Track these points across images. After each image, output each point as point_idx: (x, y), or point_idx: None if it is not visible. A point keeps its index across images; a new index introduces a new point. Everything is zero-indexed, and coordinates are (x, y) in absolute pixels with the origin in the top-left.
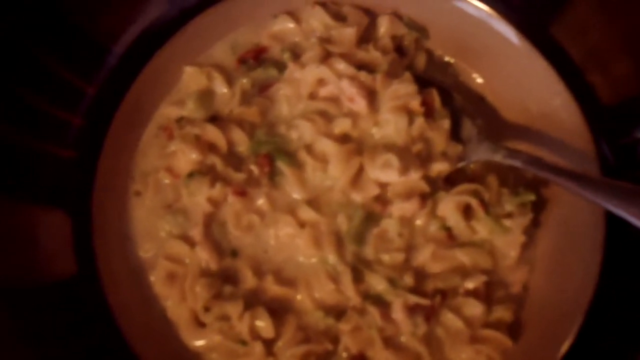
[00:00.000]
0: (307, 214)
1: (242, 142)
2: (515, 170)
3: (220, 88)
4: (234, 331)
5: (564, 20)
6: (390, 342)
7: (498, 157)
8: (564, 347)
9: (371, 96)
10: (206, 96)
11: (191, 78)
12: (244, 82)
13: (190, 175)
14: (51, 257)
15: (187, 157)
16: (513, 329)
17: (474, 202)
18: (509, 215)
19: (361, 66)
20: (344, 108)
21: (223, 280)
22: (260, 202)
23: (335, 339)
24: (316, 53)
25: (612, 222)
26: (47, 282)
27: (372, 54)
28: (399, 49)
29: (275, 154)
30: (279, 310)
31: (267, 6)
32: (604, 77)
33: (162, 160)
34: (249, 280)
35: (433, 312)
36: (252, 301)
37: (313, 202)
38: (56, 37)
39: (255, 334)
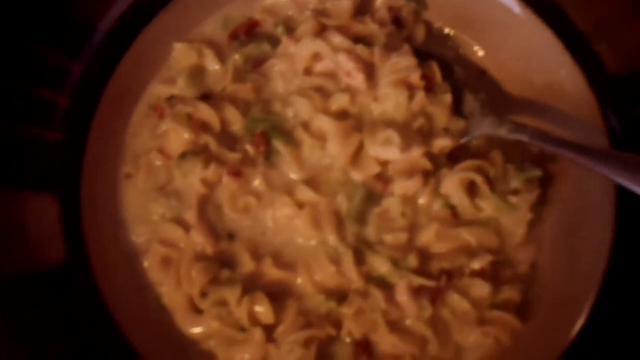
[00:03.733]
0: (305, 194)
1: (236, 120)
2: (520, 145)
3: (212, 65)
4: (232, 317)
5: None
6: (395, 326)
7: (503, 132)
8: (576, 328)
9: (369, 70)
10: (197, 74)
11: (181, 55)
12: (237, 58)
13: (183, 156)
14: (39, 244)
15: (179, 138)
16: (522, 310)
17: (478, 179)
18: (516, 192)
19: (358, 40)
20: (342, 83)
21: (220, 264)
22: (257, 182)
23: (338, 324)
24: (311, 27)
25: (624, 196)
26: (35, 271)
27: (369, 27)
28: (397, 21)
29: (271, 132)
30: (278, 295)
31: None
32: (611, 46)
33: (153, 141)
34: (247, 264)
35: (439, 294)
36: (251, 286)
37: (311, 182)
38: (39, 14)
39: (254, 320)
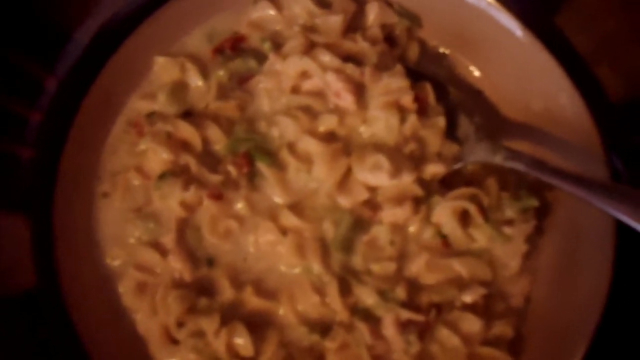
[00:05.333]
0: (289, 219)
1: (218, 140)
2: (516, 172)
3: (195, 80)
4: (209, 349)
5: (570, 8)
6: None
7: (498, 159)
8: None
9: (359, 91)
10: (179, 89)
11: (163, 69)
12: (221, 74)
13: (162, 176)
14: (7, 266)
15: (158, 157)
16: (514, 346)
17: (471, 208)
18: (510, 222)
19: (348, 58)
20: (330, 104)
21: (198, 292)
22: (239, 206)
23: (320, 358)
24: (299, 43)
25: (623, 227)
26: (3, 295)
27: (359, 45)
28: (389, 39)
29: (255, 153)
30: (259, 325)
31: None
32: (613, 71)
33: (131, 159)
34: (226, 291)
35: (427, 328)
36: (230, 315)
37: (296, 207)
38: (12, 23)
39: (233, 352)
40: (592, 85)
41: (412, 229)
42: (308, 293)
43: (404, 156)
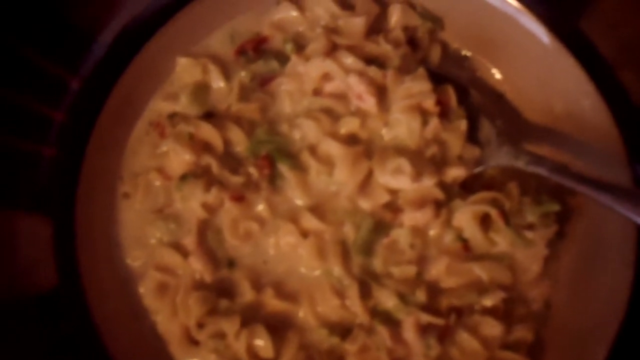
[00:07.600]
0: (310, 221)
1: (240, 141)
2: (537, 176)
3: (217, 82)
4: (229, 350)
5: (594, 13)
6: None
7: (520, 163)
8: None
9: (381, 94)
10: (201, 90)
11: (185, 70)
12: (243, 75)
13: (184, 177)
14: (30, 266)
15: (180, 158)
16: (534, 350)
17: (492, 212)
18: (531, 227)
19: (370, 60)
20: (352, 106)
21: (218, 293)
22: (260, 208)
23: None
24: (321, 45)
25: None
26: (25, 295)
27: (382, 47)
28: (412, 41)
29: (276, 155)
30: (279, 328)
31: None
32: (637, 75)
33: (153, 160)
34: (246, 293)
35: (447, 332)
36: (250, 317)
37: (317, 209)
38: (36, 24)
39: (253, 354)
40: (616, 90)
41: (432, 232)
42: (328, 295)
43: (426, 159)
